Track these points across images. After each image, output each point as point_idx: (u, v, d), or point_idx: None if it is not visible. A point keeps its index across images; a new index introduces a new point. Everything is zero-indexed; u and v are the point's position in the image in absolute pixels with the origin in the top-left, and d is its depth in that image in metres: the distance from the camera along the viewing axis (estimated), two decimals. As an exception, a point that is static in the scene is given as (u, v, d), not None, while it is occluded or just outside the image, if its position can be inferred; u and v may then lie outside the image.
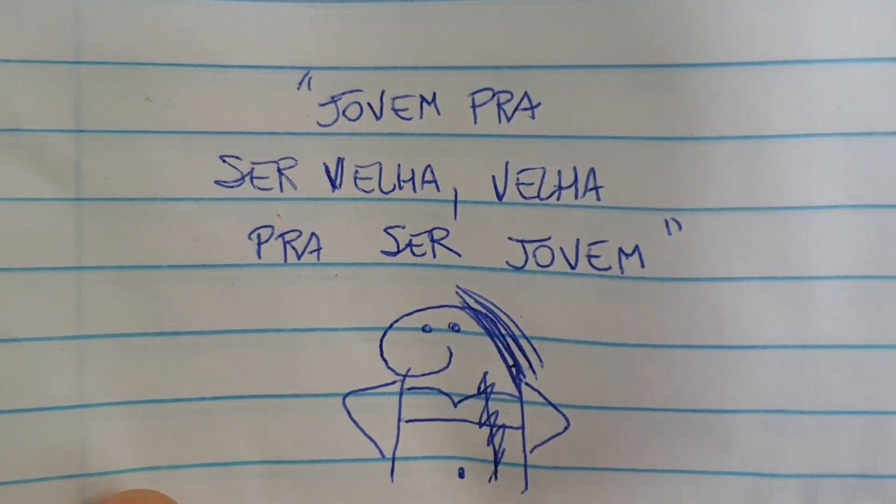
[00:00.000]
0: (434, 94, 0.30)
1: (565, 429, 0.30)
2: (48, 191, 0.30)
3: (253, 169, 0.30)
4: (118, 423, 0.30)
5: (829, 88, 0.29)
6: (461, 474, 0.31)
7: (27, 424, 0.29)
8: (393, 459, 0.31)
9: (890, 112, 0.29)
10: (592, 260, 0.30)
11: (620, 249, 0.30)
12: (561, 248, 0.30)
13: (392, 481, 0.31)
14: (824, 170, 0.29)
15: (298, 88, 0.30)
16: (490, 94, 0.30)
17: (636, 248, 0.30)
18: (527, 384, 0.30)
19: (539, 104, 0.30)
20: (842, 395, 0.30)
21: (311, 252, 0.30)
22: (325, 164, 0.30)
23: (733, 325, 0.29)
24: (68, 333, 0.30)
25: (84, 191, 0.30)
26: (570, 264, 0.30)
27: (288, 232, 0.30)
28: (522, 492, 0.31)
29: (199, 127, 0.30)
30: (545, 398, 0.30)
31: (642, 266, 0.30)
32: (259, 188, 0.30)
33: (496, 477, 0.31)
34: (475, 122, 0.30)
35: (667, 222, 0.29)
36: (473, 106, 0.30)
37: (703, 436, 0.30)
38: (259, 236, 0.30)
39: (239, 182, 0.30)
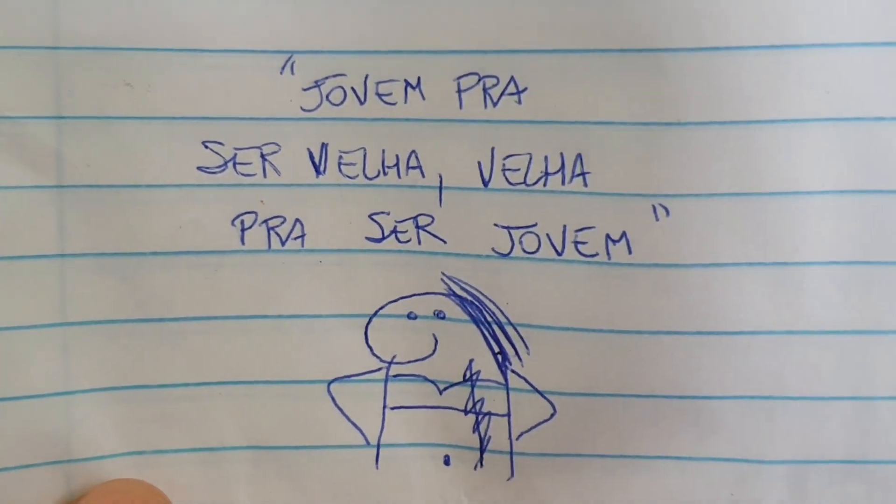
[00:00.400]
0: (419, 78, 0.30)
1: (551, 416, 0.30)
2: (28, 179, 0.29)
3: (236, 155, 0.30)
4: (103, 410, 0.30)
5: (818, 73, 0.28)
6: (447, 461, 0.31)
7: (12, 412, 0.29)
8: (378, 446, 0.31)
9: (878, 97, 0.29)
10: (579, 246, 0.30)
11: (607, 236, 0.29)
12: (547, 235, 0.30)
13: (377, 468, 0.31)
14: (813, 155, 0.29)
15: (281, 73, 0.30)
16: (476, 78, 0.29)
17: (623, 234, 0.29)
18: (512, 371, 0.30)
19: (526, 89, 0.29)
20: (830, 381, 0.29)
21: (296, 238, 0.30)
22: (308, 149, 0.30)
23: (722, 311, 0.29)
24: (52, 321, 0.30)
25: (65, 178, 0.29)
26: (556, 251, 0.30)
27: (272, 218, 0.30)
28: (508, 479, 0.30)
29: (181, 112, 0.30)
30: (531, 385, 0.30)
31: (629, 252, 0.29)
32: (242, 174, 0.30)
33: (482, 464, 0.31)
34: (460, 107, 0.30)
35: (654, 208, 0.29)
36: (459, 91, 0.30)
37: (690, 421, 0.30)
38: (243, 222, 0.30)
39: (222, 168, 0.30)
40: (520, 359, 0.30)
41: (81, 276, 0.30)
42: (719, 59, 0.28)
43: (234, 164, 0.30)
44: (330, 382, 0.30)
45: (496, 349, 0.30)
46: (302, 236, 0.30)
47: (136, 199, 0.30)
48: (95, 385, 0.30)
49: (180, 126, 0.30)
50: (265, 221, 0.30)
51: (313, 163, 0.30)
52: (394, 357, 0.31)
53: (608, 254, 0.29)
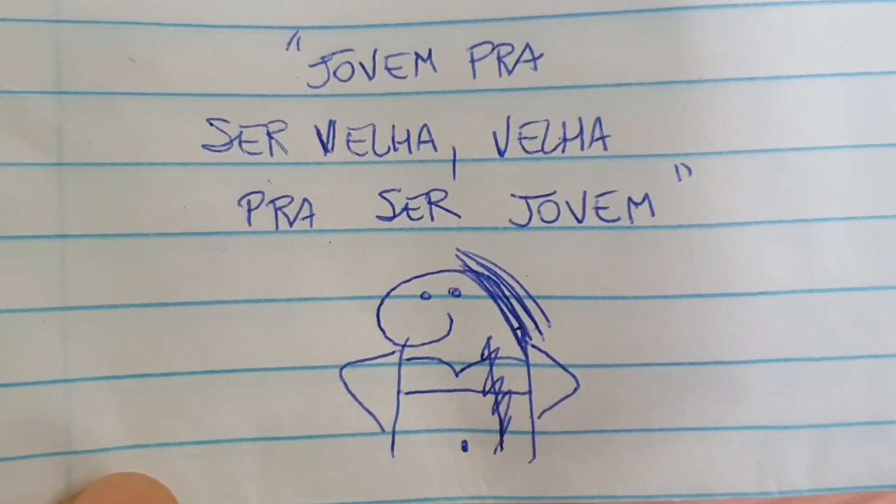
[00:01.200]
0: (430, 50, 0.29)
1: (574, 390, 0.29)
2: (28, 156, 0.28)
3: (241, 132, 0.29)
4: (105, 399, 0.29)
5: (831, 29, 0.29)
6: (464, 447, 0.30)
7: (9, 399, 0.28)
8: (393, 433, 0.29)
9: (891, 51, 0.29)
10: (600, 212, 0.29)
11: (630, 199, 0.29)
12: (567, 202, 0.29)
13: (392, 456, 0.29)
14: (827, 110, 0.29)
15: (287, 49, 0.29)
16: (490, 47, 0.29)
17: (646, 196, 0.29)
18: (533, 346, 0.29)
19: (542, 55, 0.29)
20: (849, 340, 0.29)
21: (304, 219, 0.29)
22: (316, 126, 0.29)
23: (743, 270, 0.29)
24: (51, 304, 0.28)
25: (66, 156, 0.29)
26: (576, 218, 0.29)
27: (279, 198, 0.29)
28: (530, 461, 0.29)
29: (186, 89, 0.29)
30: (553, 359, 0.29)
31: (652, 214, 0.29)
32: (248, 152, 0.29)
33: (502, 447, 0.29)
34: (474, 76, 0.29)
35: (676, 168, 0.29)
36: (472, 60, 0.29)
37: (715, 390, 0.29)
38: (249, 202, 0.29)
39: (227, 146, 0.29)
40: (540, 332, 0.29)
41: (82, 257, 0.29)
42: (736, 15, 0.29)
43: (240, 143, 0.29)
44: (342, 368, 0.29)
45: (515, 324, 0.29)
46: (310, 216, 0.29)
47: (139, 177, 0.29)
48: (96, 373, 0.29)
49: (184, 103, 0.29)
50: (272, 201, 0.29)
51: (321, 140, 0.29)
52: (407, 339, 0.30)
53: (630, 217, 0.29)
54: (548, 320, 0.29)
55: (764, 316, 0.29)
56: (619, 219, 0.29)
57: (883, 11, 0.29)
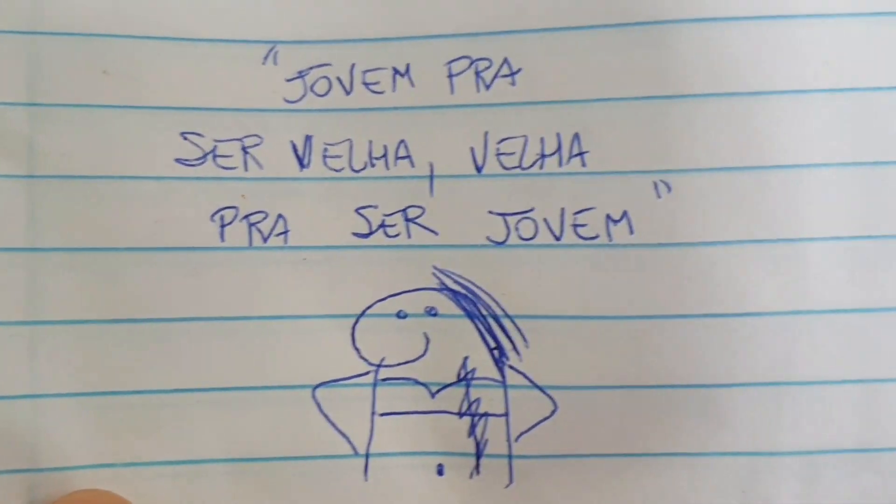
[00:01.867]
0: (407, 65, 0.29)
1: (552, 412, 0.28)
2: (-2, 167, 0.28)
3: (216, 147, 0.29)
4: (73, 416, 0.28)
5: (816, 44, 0.28)
6: (440, 471, 0.29)
7: None
8: (367, 456, 0.29)
9: (876, 67, 0.29)
10: (578, 229, 0.29)
11: (608, 216, 0.28)
12: (545, 219, 0.29)
13: (366, 479, 0.29)
14: (812, 127, 0.28)
15: (264, 63, 0.29)
16: (468, 62, 0.29)
17: (624, 213, 0.28)
18: (510, 367, 0.28)
19: (520, 70, 0.29)
20: (838, 363, 0.28)
21: (278, 235, 0.29)
22: (292, 142, 0.29)
23: (726, 291, 0.28)
24: (18, 318, 0.28)
25: (37, 168, 0.28)
26: (554, 235, 0.29)
27: (253, 213, 0.29)
28: (507, 485, 0.29)
29: (160, 102, 0.29)
30: (530, 380, 0.28)
31: (631, 232, 0.28)
32: (222, 167, 0.29)
33: (478, 471, 0.29)
34: (452, 92, 0.29)
35: (656, 185, 0.28)
36: (450, 75, 0.29)
37: (698, 413, 0.28)
38: (222, 218, 0.29)
39: (201, 161, 0.29)
40: (518, 353, 0.28)
41: (52, 271, 0.28)
42: (718, 30, 0.28)
43: (215, 157, 0.29)
44: (315, 387, 0.29)
45: (492, 344, 0.28)
46: (285, 232, 0.29)
47: (112, 191, 0.29)
48: (64, 389, 0.28)
49: (159, 116, 0.29)
50: (246, 217, 0.29)
51: (297, 156, 0.29)
52: (383, 359, 0.29)
53: (609, 235, 0.28)
54: (525, 340, 0.28)
55: (748, 338, 0.28)
56: (597, 236, 0.28)
57: (869, 26, 0.28)
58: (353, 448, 0.29)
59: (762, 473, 0.28)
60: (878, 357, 0.28)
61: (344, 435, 0.29)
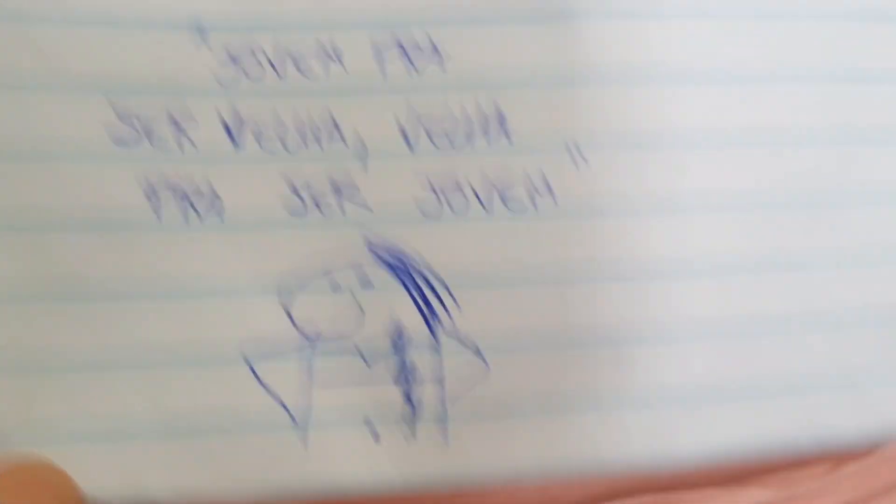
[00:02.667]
0: (339, 48, 0.30)
1: (485, 376, 0.30)
2: (-76, 146, 0.28)
3: (150, 127, 0.29)
4: (3, 391, 0.28)
5: (719, 39, 0.32)
6: (376, 437, 0.30)
7: None
8: (305, 426, 0.29)
9: (772, 57, 0.33)
10: (507, 202, 0.30)
11: (534, 188, 0.30)
12: (475, 192, 0.30)
13: (305, 448, 0.29)
14: (694, 109, 0.31)
15: (197, 44, 0.30)
16: (397, 47, 0.30)
17: (548, 185, 0.30)
18: (444, 333, 0.30)
19: (448, 56, 0.30)
20: (721, 317, 0.31)
21: (213, 212, 0.29)
22: (224, 121, 0.30)
23: (638, 258, 0.30)
24: None
25: (-35, 146, 0.28)
26: (484, 208, 0.30)
27: (188, 192, 0.29)
28: (442, 448, 0.30)
29: (92, 83, 0.29)
30: (464, 344, 0.30)
31: (555, 204, 0.30)
32: (156, 147, 0.29)
33: (414, 436, 0.30)
34: (383, 76, 0.30)
35: (574, 159, 0.30)
36: (381, 60, 0.30)
37: (611, 367, 0.30)
38: (158, 196, 0.29)
39: (135, 141, 0.29)
40: (451, 318, 0.30)
41: None
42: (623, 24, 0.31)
43: (149, 137, 0.29)
44: (253, 361, 0.29)
45: (427, 313, 0.30)
46: (220, 211, 0.29)
47: (45, 171, 0.28)
48: (-3, 368, 0.28)
49: (92, 97, 0.29)
50: (182, 195, 0.29)
51: (230, 135, 0.30)
52: (318, 332, 0.30)
53: (535, 206, 0.30)
54: (458, 306, 0.30)
55: (663, 298, 0.30)
56: (524, 208, 0.30)
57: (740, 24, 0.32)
58: (292, 418, 0.29)
59: (663, 414, 0.30)
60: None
61: (284, 405, 0.29)
